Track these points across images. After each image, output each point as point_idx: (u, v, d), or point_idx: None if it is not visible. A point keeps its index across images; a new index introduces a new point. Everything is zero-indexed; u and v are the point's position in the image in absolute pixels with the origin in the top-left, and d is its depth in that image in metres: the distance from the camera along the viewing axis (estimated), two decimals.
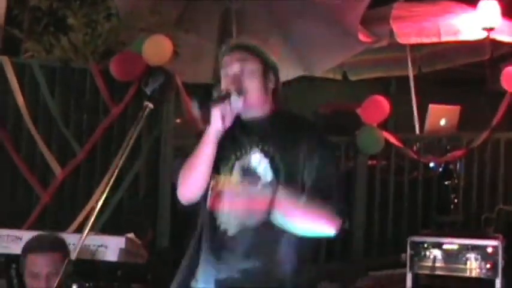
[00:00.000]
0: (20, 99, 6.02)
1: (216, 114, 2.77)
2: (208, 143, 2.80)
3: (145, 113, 2.68)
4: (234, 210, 2.79)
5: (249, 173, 2.81)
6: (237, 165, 2.83)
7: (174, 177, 2.91)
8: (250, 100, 2.83)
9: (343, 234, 2.97)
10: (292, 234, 2.78)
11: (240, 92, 2.80)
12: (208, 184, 2.84)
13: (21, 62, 6.35)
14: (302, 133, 2.85)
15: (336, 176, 2.88)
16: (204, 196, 2.86)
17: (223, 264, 2.82)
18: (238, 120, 2.86)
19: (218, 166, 2.84)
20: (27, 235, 4.56)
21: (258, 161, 2.82)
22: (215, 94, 2.82)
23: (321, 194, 2.78)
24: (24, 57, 6.86)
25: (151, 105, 2.67)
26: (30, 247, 3.71)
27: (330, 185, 2.82)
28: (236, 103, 2.78)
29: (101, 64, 6.17)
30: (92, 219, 2.47)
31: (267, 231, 2.76)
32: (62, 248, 3.65)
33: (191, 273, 2.92)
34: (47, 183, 6.00)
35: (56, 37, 6.58)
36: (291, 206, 2.74)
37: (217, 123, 2.78)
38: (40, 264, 3.58)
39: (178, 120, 6.40)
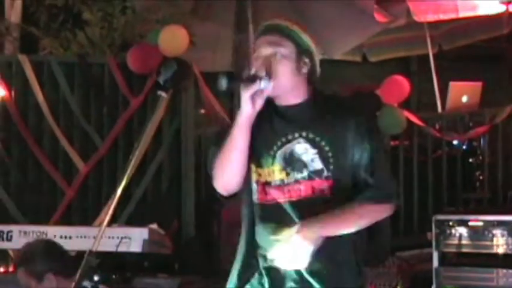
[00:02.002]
0: (40, 97, 6.08)
1: (245, 96, 2.65)
2: (240, 128, 2.68)
3: (160, 102, 2.67)
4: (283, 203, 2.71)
5: (292, 161, 2.72)
6: (279, 154, 2.74)
7: (209, 167, 2.80)
8: (280, 84, 2.71)
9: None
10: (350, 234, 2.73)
11: (270, 74, 2.68)
12: (250, 177, 2.77)
13: (39, 59, 6.41)
14: (347, 118, 2.75)
15: (386, 159, 2.84)
16: (247, 190, 2.78)
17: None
18: (275, 109, 2.78)
19: (259, 158, 2.75)
20: (52, 231, 4.62)
21: (304, 150, 2.72)
22: (244, 75, 2.70)
23: (375, 183, 2.72)
24: (42, 55, 6.91)
25: (164, 95, 2.67)
26: None
27: (383, 170, 2.77)
28: (266, 86, 2.66)
29: (118, 57, 6.19)
30: (110, 212, 2.47)
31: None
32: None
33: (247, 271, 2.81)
34: (71, 178, 6.05)
35: (73, 33, 6.61)
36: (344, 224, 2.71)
37: (247, 106, 2.66)
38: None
39: (202, 111, 6.40)
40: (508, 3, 7.49)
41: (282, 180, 2.73)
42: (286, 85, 2.74)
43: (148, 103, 5.99)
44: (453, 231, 4.80)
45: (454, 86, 7.64)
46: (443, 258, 4.83)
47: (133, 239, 4.40)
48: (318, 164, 2.71)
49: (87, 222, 5.55)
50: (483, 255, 4.74)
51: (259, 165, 2.76)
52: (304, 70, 2.78)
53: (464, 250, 4.77)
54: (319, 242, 2.64)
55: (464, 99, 7.55)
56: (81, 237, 4.62)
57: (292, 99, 2.78)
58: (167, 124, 6.02)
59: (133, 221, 5.70)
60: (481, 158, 7.22)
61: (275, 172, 2.74)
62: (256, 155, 2.75)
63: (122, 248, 4.31)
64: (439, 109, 8.43)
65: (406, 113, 6.87)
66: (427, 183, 7.00)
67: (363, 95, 7.09)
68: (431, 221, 4.89)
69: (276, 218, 2.74)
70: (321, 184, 2.71)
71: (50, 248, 3.78)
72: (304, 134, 2.73)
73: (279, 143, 2.75)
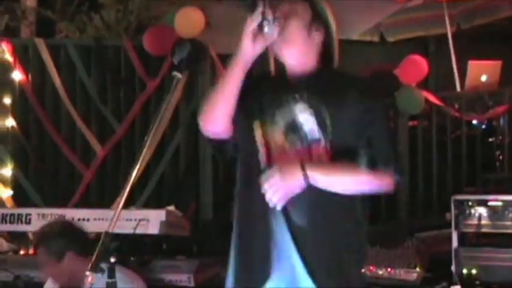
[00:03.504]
0: (56, 80, 6.10)
1: (247, 34, 2.63)
2: (236, 66, 2.68)
3: (175, 83, 2.65)
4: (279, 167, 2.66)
5: (292, 130, 2.71)
6: (281, 123, 2.72)
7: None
8: (287, 39, 2.70)
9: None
10: (341, 195, 2.69)
11: (275, 19, 2.63)
12: (255, 139, 2.75)
13: (55, 43, 6.42)
14: (352, 90, 2.72)
15: (389, 132, 2.79)
16: (253, 152, 2.75)
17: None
18: (286, 79, 2.79)
19: (264, 124, 2.74)
20: (70, 213, 4.64)
21: (306, 119, 2.70)
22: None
23: (376, 154, 2.68)
24: (59, 38, 6.92)
25: (179, 75, 2.65)
26: None
27: (385, 142, 2.72)
28: (270, 30, 2.61)
29: (135, 40, 6.18)
30: (126, 194, 2.46)
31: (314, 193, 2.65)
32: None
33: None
34: (89, 161, 6.07)
35: (89, 16, 6.61)
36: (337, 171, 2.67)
37: (246, 44, 2.63)
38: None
39: None
40: None
41: (283, 148, 2.71)
42: (294, 43, 2.74)
43: (165, 85, 5.99)
44: (473, 211, 4.77)
45: (473, 65, 7.56)
46: (463, 239, 4.81)
47: (151, 221, 4.41)
48: (315, 133, 2.69)
49: (105, 205, 5.55)
50: (503, 235, 4.71)
51: (264, 131, 2.74)
52: (316, 38, 2.77)
53: (483, 230, 4.75)
54: (302, 186, 2.60)
55: (484, 78, 7.46)
56: (99, 219, 4.63)
57: (300, 67, 2.77)
58: (184, 107, 6.01)
59: (151, 203, 5.71)
60: (500, 137, 7.14)
61: (276, 139, 2.72)
62: (262, 119, 2.74)
63: (140, 230, 4.32)
64: (458, 89, 8.35)
65: (425, 93, 6.81)
66: (446, 164, 6.94)
67: (381, 75, 7.02)
68: (450, 201, 4.86)
69: None
70: (319, 153, 2.68)
71: (69, 228, 3.81)
72: (307, 103, 2.71)
73: (282, 110, 2.73)
